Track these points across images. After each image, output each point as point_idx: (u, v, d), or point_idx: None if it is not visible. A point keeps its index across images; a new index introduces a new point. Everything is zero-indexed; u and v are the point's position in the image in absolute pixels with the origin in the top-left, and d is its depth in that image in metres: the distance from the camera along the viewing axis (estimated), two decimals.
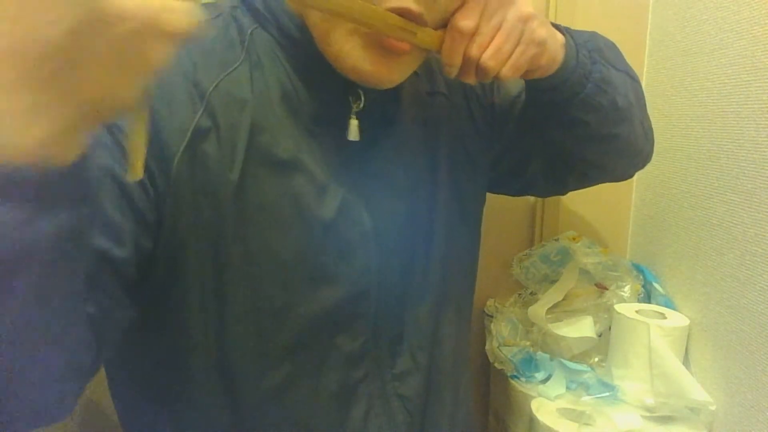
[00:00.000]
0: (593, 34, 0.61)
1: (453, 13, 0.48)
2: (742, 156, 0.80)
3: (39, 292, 0.30)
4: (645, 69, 1.08)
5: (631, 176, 0.79)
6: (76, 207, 0.30)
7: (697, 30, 0.92)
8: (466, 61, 0.49)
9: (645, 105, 0.69)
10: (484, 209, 0.69)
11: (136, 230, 0.43)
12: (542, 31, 0.50)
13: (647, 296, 1.00)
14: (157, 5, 0.27)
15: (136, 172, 0.33)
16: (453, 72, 0.50)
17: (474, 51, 0.48)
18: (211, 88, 0.47)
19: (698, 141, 0.92)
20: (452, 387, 0.63)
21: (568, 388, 0.88)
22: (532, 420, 0.83)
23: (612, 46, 0.64)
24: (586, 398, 0.86)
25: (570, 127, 0.62)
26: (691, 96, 0.94)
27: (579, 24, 1.05)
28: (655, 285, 0.99)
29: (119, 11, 0.26)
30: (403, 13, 0.44)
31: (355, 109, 0.51)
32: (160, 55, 0.28)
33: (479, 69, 0.49)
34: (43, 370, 0.34)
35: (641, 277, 1.01)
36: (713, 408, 0.83)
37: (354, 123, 0.51)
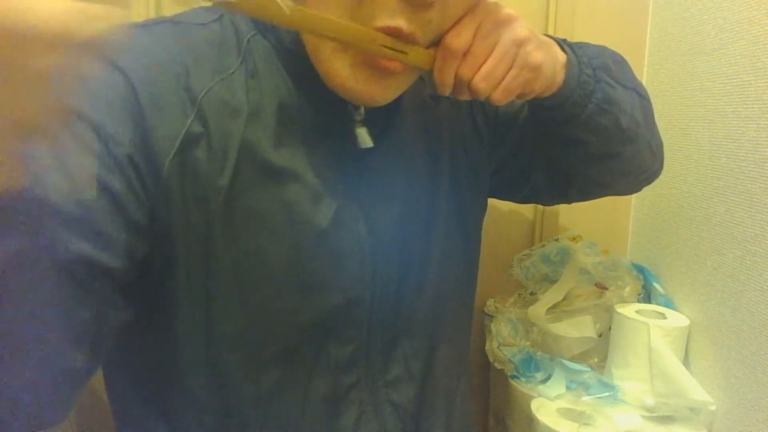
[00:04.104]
0: (601, 50, 0.59)
1: (446, 32, 0.46)
2: (742, 156, 0.80)
3: (8, 306, 0.30)
4: (645, 69, 1.08)
5: (637, 191, 0.77)
6: (29, 235, 0.30)
7: (697, 30, 0.92)
8: (458, 81, 0.48)
9: (654, 123, 0.67)
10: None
11: (130, 237, 0.42)
12: (538, 55, 0.49)
13: (647, 296, 1.00)
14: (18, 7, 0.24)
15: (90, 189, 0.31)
16: (445, 91, 0.49)
17: (465, 72, 0.47)
18: (202, 94, 0.46)
19: (698, 141, 0.92)
20: (447, 395, 0.62)
21: (568, 388, 0.88)
22: (532, 420, 0.83)
23: (621, 62, 0.62)
24: (586, 398, 0.86)
25: (570, 145, 0.60)
26: (691, 96, 0.94)
27: (579, 24, 1.05)
28: (655, 285, 0.99)
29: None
30: (393, 32, 0.43)
31: (357, 117, 0.51)
32: (45, 65, 0.25)
33: (471, 89, 0.48)
34: (26, 376, 0.33)
35: (641, 277, 1.01)
36: (713, 408, 0.83)
37: (363, 131, 0.51)
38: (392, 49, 0.44)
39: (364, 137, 0.51)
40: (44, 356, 0.35)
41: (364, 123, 0.51)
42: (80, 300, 0.38)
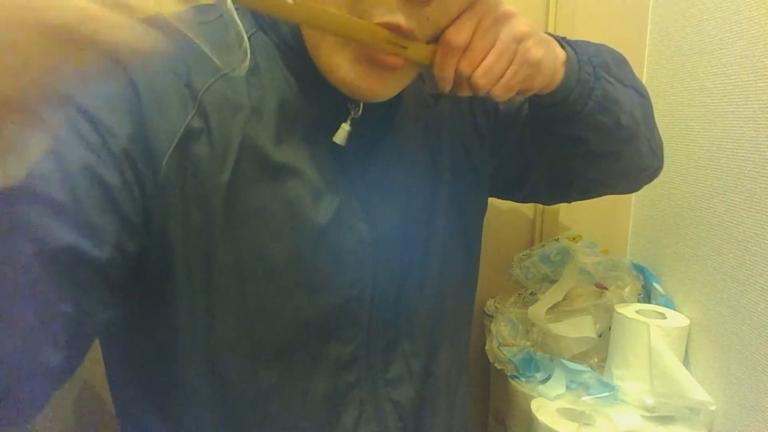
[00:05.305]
0: (601, 48, 0.59)
1: (446, 28, 0.47)
2: (742, 156, 0.80)
3: None
4: (645, 69, 1.08)
5: (637, 190, 0.77)
6: None
7: (697, 30, 0.92)
8: (458, 76, 0.48)
9: (653, 122, 0.67)
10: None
11: (120, 231, 0.42)
12: (537, 51, 0.49)
13: (647, 296, 1.00)
14: (82, 7, 0.25)
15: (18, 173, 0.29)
16: (446, 87, 0.49)
17: (465, 67, 0.47)
18: (203, 90, 0.46)
19: (698, 141, 0.92)
20: (448, 393, 0.62)
21: (568, 388, 0.88)
22: (532, 420, 0.83)
23: (620, 60, 0.62)
24: (586, 398, 0.86)
25: (570, 143, 0.60)
26: (691, 96, 0.94)
27: (579, 24, 1.05)
28: (655, 285, 0.99)
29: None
30: (392, 28, 0.43)
31: (353, 115, 0.50)
32: (76, 63, 0.26)
33: (470, 85, 0.48)
34: None
35: (641, 277, 1.01)
36: (713, 408, 0.83)
37: (344, 128, 0.50)
38: (392, 43, 0.44)
39: (341, 134, 0.50)
40: (15, 351, 0.34)
41: (357, 122, 0.50)
42: (62, 293, 0.38)
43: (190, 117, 0.45)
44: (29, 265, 0.35)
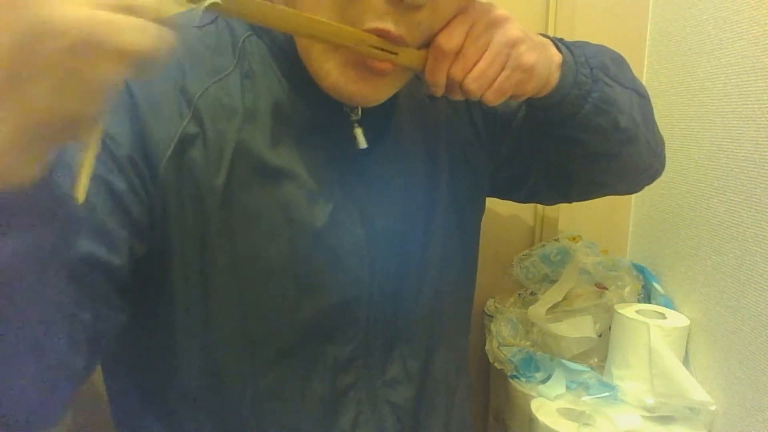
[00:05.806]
0: (600, 49, 0.59)
1: (438, 33, 0.46)
2: (742, 156, 0.80)
3: (14, 308, 0.30)
4: (645, 69, 1.08)
5: (638, 191, 0.77)
6: (42, 228, 0.30)
7: (697, 30, 0.92)
8: (450, 81, 0.48)
9: (653, 122, 0.67)
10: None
11: (131, 237, 0.43)
12: (530, 56, 0.49)
13: (647, 296, 1.00)
14: (104, 20, 0.26)
15: (79, 195, 0.31)
16: (438, 92, 0.49)
17: (457, 72, 0.47)
18: (198, 95, 0.46)
19: (698, 141, 0.92)
20: (446, 395, 0.62)
21: (568, 388, 0.88)
22: (532, 420, 0.83)
23: (619, 61, 0.62)
24: (586, 398, 0.86)
25: (568, 145, 0.60)
26: (691, 96, 0.94)
27: (579, 24, 1.05)
28: (655, 285, 0.99)
29: (59, 24, 0.25)
30: (382, 34, 0.43)
31: (354, 117, 0.51)
32: (109, 74, 0.27)
33: (463, 90, 0.48)
34: (28, 379, 0.34)
35: (641, 277, 1.01)
36: (713, 408, 0.83)
37: (359, 132, 0.50)
38: (383, 49, 0.43)
39: (360, 139, 0.51)
40: (44, 359, 0.35)
41: (361, 124, 0.51)
42: (81, 301, 0.38)
43: (185, 122, 0.46)
44: (54, 275, 0.35)
